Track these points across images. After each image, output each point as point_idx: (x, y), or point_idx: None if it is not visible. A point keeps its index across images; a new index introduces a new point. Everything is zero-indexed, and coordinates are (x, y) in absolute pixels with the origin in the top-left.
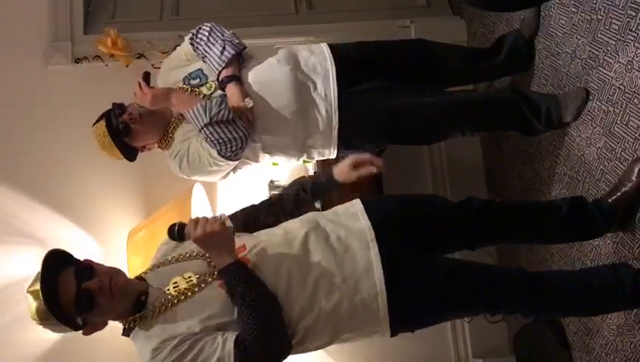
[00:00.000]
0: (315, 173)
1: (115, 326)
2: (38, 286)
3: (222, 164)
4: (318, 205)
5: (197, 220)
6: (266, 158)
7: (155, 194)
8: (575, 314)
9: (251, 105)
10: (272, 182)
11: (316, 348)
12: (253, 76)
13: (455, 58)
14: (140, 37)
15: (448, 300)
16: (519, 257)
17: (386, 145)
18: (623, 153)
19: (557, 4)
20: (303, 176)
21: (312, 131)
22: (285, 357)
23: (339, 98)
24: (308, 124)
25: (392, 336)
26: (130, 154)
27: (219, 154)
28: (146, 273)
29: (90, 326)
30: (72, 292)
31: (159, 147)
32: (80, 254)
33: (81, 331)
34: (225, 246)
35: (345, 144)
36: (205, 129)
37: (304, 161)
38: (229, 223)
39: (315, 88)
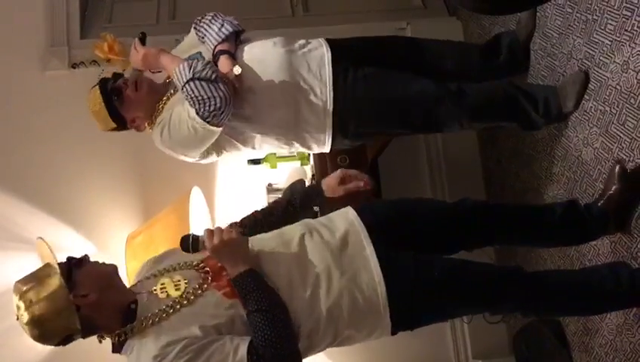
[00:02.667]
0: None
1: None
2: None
3: (201, 129)
4: (315, 209)
5: (212, 231)
6: (256, 142)
7: (153, 199)
8: (573, 314)
9: (239, 71)
10: (270, 185)
11: (321, 350)
12: (248, 54)
13: (451, 58)
14: None
15: (446, 299)
16: (518, 258)
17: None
18: (620, 153)
19: (552, 4)
20: (299, 180)
21: (306, 112)
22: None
23: (334, 80)
24: (300, 103)
25: (392, 334)
26: (119, 120)
27: (197, 113)
28: (130, 287)
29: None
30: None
31: (148, 125)
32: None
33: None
34: (240, 254)
35: (341, 130)
36: (187, 85)
37: (301, 162)
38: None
39: (310, 69)
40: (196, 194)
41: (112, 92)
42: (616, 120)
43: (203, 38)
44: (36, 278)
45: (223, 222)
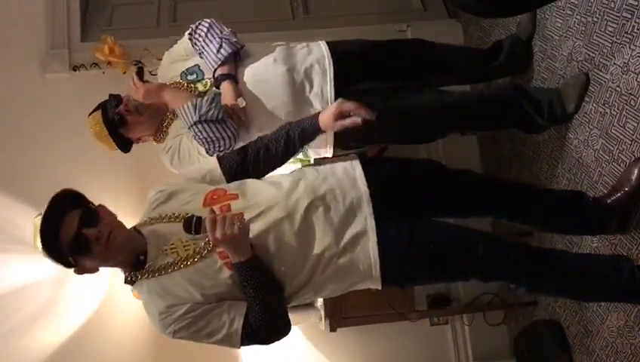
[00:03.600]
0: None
1: (114, 334)
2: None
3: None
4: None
5: (215, 220)
6: None
7: None
8: (568, 295)
9: (244, 104)
10: None
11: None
12: (249, 75)
13: (454, 58)
14: (137, 44)
15: (441, 264)
16: None
17: (385, 146)
18: (620, 155)
19: (552, 7)
20: (289, 123)
21: None
22: (286, 335)
23: (336, 98)
24: None
25: (382, 289)
26: (124, 145)
27: (207, 152)
28: (142, 226)
29: (82, 267)
30: (71, 233)
31: (154, 140)
32: None
33: (72, 269)
34: (242, 247)
35: (342, 144)
36: (194, 127)
37: (301, 162)
38: (247, 224)
39: (312, 88)
40: None
41: (115, 120)
42: (616, 122)
43: (200, 54)
44: None
45: None
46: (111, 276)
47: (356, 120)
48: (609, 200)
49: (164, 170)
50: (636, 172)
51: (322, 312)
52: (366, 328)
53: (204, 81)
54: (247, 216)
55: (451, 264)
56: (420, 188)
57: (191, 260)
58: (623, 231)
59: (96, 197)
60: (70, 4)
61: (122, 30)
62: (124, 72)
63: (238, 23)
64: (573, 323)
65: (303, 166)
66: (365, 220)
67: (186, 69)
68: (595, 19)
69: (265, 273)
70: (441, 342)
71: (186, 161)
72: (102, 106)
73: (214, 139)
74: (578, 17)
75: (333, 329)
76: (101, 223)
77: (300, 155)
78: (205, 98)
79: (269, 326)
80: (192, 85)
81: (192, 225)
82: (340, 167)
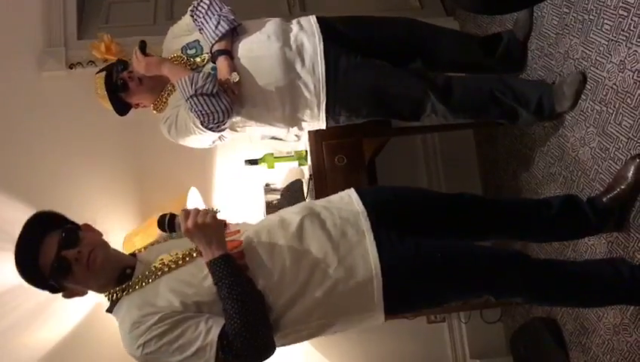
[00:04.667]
0: (303, 182)
1: (112, 334)
2: None
3: (207, 132)
4: None
5: (188, 212)
6: (253, 130)
7: (151, 199)
8: (572, 304)
9: (237, 79)
10: (267, 185)
11: (304, 338)
12: (244, 51)
13: (448, 48)
14: (134, 41)
15: (447, 280)
16: None
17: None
18: (616, 153)
19: (549, 4)
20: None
21: (300, 106)
22: (269, 356)
23: (327, 74)
24: (295, 99)
25: (385, 320)
26: (122, 109)
27: (202, 124)
28: (140, 251)
29: (69, 291)
30: (51, 258)
31: (154, 109)
32: None
33: (60, 294)
34: (215, 239)
35: (333, 118)
36: (190, 100)
37: (298, 162)
38: (219, 216)
39: (303, 65)
40: (194, 195)
41: (118, 84)
42: (613, 119)
43: (200, 30)
44: None
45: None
46: None
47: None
48: (605, 199)
49: (165, 169)
50: (632, 169)
51: None
52: None
53: (202, 56)
54: (242, 232)
55: (457, 277)
56: (416, 213)
57: (175, 265)
58: (619, 229)
59: (93, 194)
60: (66, 2)
61: (119, 28)
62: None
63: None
64: (569, 320)
65: (299, 165)
66: (363, 233)
67: (187, 44)
68: (592, 17)
69: (241, 273)
70: (438, 339)
71: (182, 130)
72: (108, 68)
73: (208, 112)
74: (575, 15)
75: None
76: (81, 243)
77: (294, 130)
78: (201, 73)
79: (245, 336)
80: (192, 59)
81: (166, 222)
82: (334, 196)
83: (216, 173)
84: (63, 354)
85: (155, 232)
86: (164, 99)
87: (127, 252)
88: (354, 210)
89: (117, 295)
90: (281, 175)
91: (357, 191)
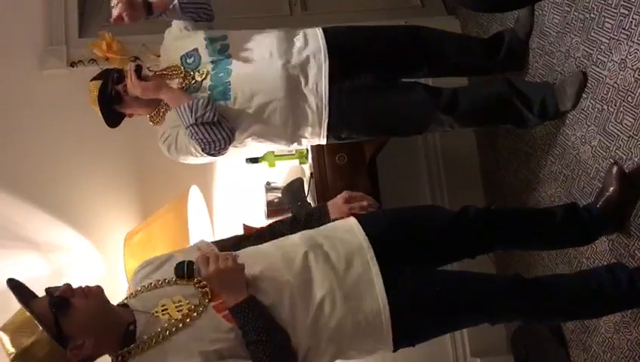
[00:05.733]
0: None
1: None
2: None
3: (207, 157)
4: None
5: (207, 257)
6: (254, 145)
7: (151, 198)
8: (574, 318)
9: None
10: (268, 183)
11: None
12: (245, 69)
13: (452, 50)
14: (135, 40)
15: (448, 313)
16: (517, 259)
17: (380, 146)
18: (617, 151)
19: (550, 3)
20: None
21: (302, 123)
22: None
23: (330, 94)
24: (297, 117)
25: (394, 351)
26: (113, 120)
27: (203, 151)
28: (127, 299)
29: (73, 348)
30: (47, 307)
31: (150, 120)
32: (77, 257)
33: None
34: (237, 283)
35: (334, 136)
36: (191, 128)
37: (299, 161)
38: (239, 260)
39: (307, 83)
40: (194, 193)
41: (112, 97)
42: (613, 118)
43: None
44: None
45: (221, 224)
46: (107, 267)
47: (363, 205)
48: (598, 205)
49: (165, 168)
50: (614, 175)
51: None
52: None
53: (200, 71)
54: (246, 270)
55: (459, 307)
56: (417, 239)
57: (187, 320)
58: (621, 229)
59: (94, 193)
60: (68, 1)
61: (120, 26)
62: (122, 68)
63: (235, 18)
64: None
65: (300, 163)
66: (368, 264)
67: (186, 53)
68: (593, 16)
69: (266, 314)
70: (438, 337)
71: (182, 152)
72: (103, 77)
73: (210, 140)
74: (576, 13)
75: None
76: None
77: (295, 145)
78: (201, 100)
79: None
80: (191, 72)
81: (185, 268)
82: (338, 226)
83: (217, 171)
84: None
85: (155, 232)
86: (161, 114)
87: (126, 256)
88: (357, 241)
89: (125, 356)
90: (282, 173)
91: (358, 219)
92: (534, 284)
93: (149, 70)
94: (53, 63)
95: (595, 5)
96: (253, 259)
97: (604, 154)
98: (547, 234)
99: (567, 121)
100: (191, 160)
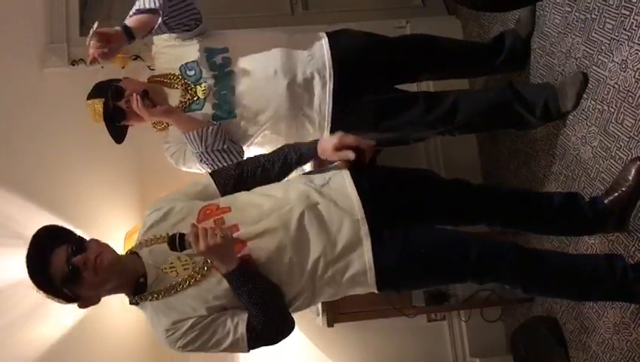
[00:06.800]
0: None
1: (112, 328)
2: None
3: None
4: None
5: (197, 232)
6: (256, 151)
7: (151, 196)
8: (561, 295)
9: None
10: None
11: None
12: (248, 88)
13: (453, 53)
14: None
15: (433, 275)
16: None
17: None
18: (618, 152)
19: (551, 3)
20: (287, 146)
21: (304, 138)
22: (292, 332)
23: (333, 113)
24: (300, 133)
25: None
26: (119, 135)
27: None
28: (139, 247)
29: (83, 300)
30: (61, 267)
31: (154, 126)
32: None
33: (76, 304)
34: (227, 255)
35: None
36: (201, 155)
37: None
38: (234, 214)
39: (312, 101)
40: None
41: (115, 113)
42: (614, 119)
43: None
44: None
45: None
46: None
47: (349, 155)
48: (606, 201)
49: (165, 166)
50: (633, 171)
51: (319, 307)
52: (363, 324)
53: (202, 87)
54: (241, 229)
55: (444, 269)
56: (412, 197)
57: (193, 280)
58: (621, 230)
59: (94, 191)
60: None
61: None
62: (123, 67)
63: (236, 18)
64: (569, 319)
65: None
66: (359, 226)
67: (186, 64)
68: (594, 16)
69: (256, 278)
70: (438, 338)
71: (190, 167)
72: (100, 94)
73: (219, 165)
74: (577, 14)
75: (330, 324)
76: (87, 250)
77: None
78: (210, 129)
79: (271, 328)
80: (192, 85)
81: (176, 242)
82: (330, 176)
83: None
84: (63, 350)
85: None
86: (164, 122)
87: (126, 249)
88: (349, 202)
89: (140, 299)
90: None
91: (352, 175)
92: (529, 251)
93: (150, 69)
94: (54, 62)
95: (596, 6)
96: (250, 219)
97: (605, 154)
98: (540, 214)
99: (568, 122)
100: (195, 170)
